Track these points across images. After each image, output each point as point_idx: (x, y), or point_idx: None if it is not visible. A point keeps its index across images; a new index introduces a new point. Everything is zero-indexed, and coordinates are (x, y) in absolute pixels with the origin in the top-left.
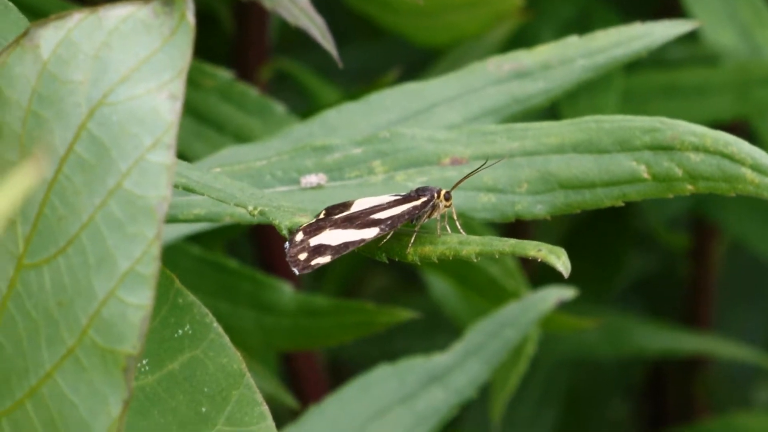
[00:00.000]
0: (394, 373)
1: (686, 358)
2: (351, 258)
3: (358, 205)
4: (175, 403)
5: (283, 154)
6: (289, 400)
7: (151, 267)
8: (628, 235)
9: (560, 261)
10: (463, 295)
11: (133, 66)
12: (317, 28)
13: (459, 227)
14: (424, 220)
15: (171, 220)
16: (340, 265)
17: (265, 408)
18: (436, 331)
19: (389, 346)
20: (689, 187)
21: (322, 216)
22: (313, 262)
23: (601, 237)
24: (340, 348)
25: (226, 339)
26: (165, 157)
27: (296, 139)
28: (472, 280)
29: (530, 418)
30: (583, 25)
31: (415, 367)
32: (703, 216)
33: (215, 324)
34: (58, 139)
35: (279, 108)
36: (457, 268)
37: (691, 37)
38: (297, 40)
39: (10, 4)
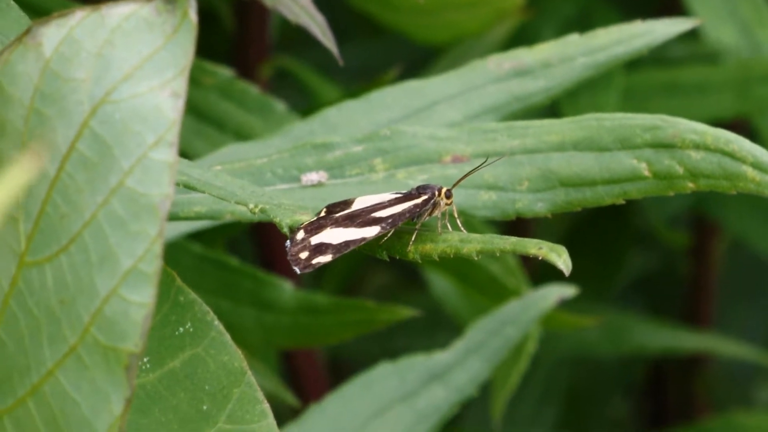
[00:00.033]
0: (394, 371)
1: (687, 357)
2: (351, 256)
3: (359, 203)
4: (176, 401)
5: (284, 151)
6: (290, 398)
7: (154, 265)
8: (629, 233)
9: (561, 259)
10: (464, 293)
11: (136, 64)
12: (318, 26)
13: (460, 225)
14: (425, 218)
15: (172, 217)
16: (341, 263)
17: (267, 406)
18: (437, 329)
19: (390, 344)
20: (690, 184)
21: (323, 214)
22: (314, 261)
23: (601, 235)
24: (340, 346)
25: (227, 337)
26: (167, 155)
27: (297, 137)
28: (473, 278)
29: (531, 416)
30: (583, 23)
31: (416, 365)
32: (703, 214)
33: (216, 322)
34: (60, 136)
35: (279, 106)
36: (457, 266)
37: (692, 35)
38: (297, 37)
39: (11, 2)
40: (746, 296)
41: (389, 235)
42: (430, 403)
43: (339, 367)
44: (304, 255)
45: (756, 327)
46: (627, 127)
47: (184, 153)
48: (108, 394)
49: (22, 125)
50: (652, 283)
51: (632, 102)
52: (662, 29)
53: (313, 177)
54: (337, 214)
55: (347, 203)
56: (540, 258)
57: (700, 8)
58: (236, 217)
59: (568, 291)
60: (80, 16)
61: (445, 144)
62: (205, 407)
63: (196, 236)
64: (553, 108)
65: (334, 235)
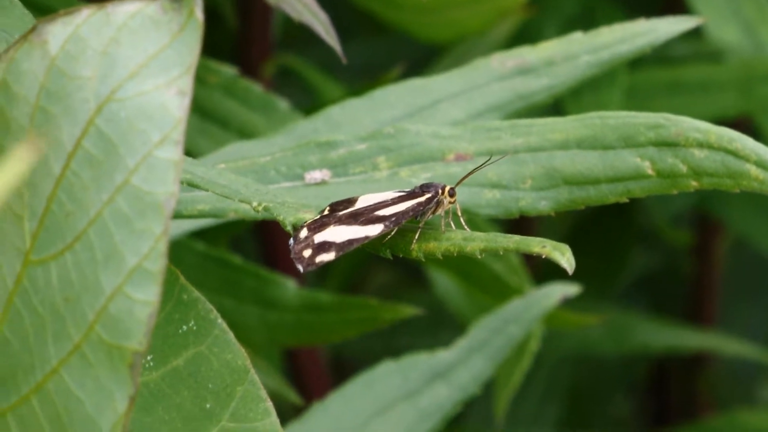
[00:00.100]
0: (397, 370)
1: (690, 355)
2: (355, 254)
3: (363, 202)
4: (179, 399)
5: (287, 150)
6: (293, 396)
7: (159, 263)
8: (632, 232)
9: (564, 257)
10: (467, 292)
11: (142, 62)
12: (321, 24)
13: (463, 223)
14: (429, 216)
15: (175, 216)
16: (344, 262)
17: (270, 404)
18: (440, 327)
19: (393, 343)
20: (693, 183)
21: (326, 212)
22: (317, 260)
23: (605, 233)
24: (343, 344)
25: (231, 335)
26: (173, 153)
27: (300, 135)
28: (476, 276)
29: (533, 415)
30: (587, 22)
31: (419, 363)
32: (707, 213)
33: (220, 320)
34: (65, 134)
35: (283, 104)
36: (461, 264)
37: (695, 33)
38: (301, 36)
39: (15, 0)
40: (749, 295)
41: (393, 233)
42: (433, 401)
43: (342, 366)
44: (307, 253)
45: (759, 325)
46: (630, 125)
47: (188, 151)
48: (112, 392)
49: (27, 123)
50: (655, 282)
51: (636, 100)
52: (665, 28)
53: (316, 175)
54: (341, 213)
55: (351, 201)
56: (543, 256)
57: (704, 7)
58: (240, 215)
59: (571, 289)
60: (86, 14)
61: (448, 142)
62: (208, 405)
63: (199, 234)
64: (556, 106)
65: (337, 233)
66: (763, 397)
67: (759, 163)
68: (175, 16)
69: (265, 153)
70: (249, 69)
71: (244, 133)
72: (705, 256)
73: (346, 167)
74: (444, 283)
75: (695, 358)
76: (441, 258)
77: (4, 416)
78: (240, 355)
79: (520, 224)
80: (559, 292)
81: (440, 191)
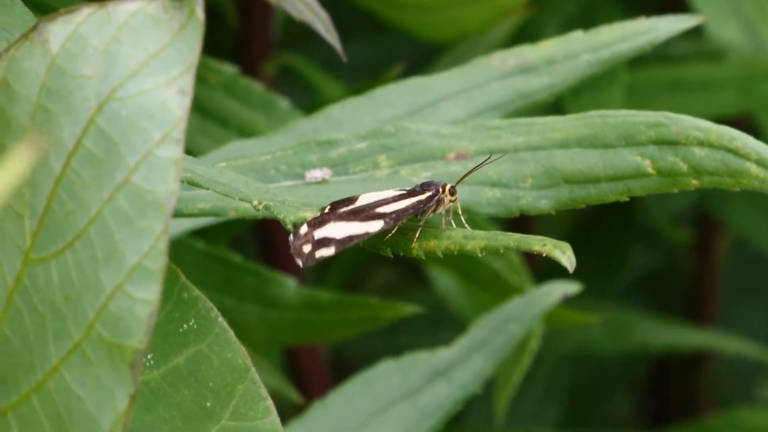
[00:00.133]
0: (397, 369)
1: (690, 354)
2: (355, 253)
3: (363, 200)
4: (180, 398)
5: (288, 148)
6: (293, 395)
7: (159, 261)
8: (633, 231)
9: (565, 256)
10: (467, 291)
11: (143, 61)
12: (321, 23)
13: (464, 222)
14: (429, 214)
15: (176, 214)
16: (344, 260)
17: (270, 403)
18: (440, 326)
19: (393, 341)
20: (694, 181)
21: (326, 211)
22: (317, 255)
23: (605, 232)
24: (343, 343)
25: (231, 334)
26: (173, 151)
27: (301, 134)
28: (477, 275)
29: (534, 413)
30: (587, 21)
31: (419, 362)
32: (707, 211)
33: (220, 319)
34: (66, 133)
35: (283, 103)
36: (461, 263)
37: (696, 32)
38: (301, 34)
39: None
40: (749, 293)
41: (393, 231)
42: (434, 400)
43: (342, 364)
44: (307, 248)
45: (759, 324)
46: (631, 124)
47: (189, 150)
48: (112, 390)
49: (28, 122)
50: (655, 281)
51: (636, 99)
52: (666, 26)
53: (317, 174)
54: (341, 210)
55: (351, 200)
56: (544, 255)
57: (704, 5)
58: (240, 213)
59: (572, 288)
60: (87, 12)
61: (448, 141)
62: (208, 404)
63: (199, 233)
64: (556, 105)
65: (337, 230)
66: (764, 396)
67: (759, 162)
68: (176, 15)
69: (266, 152)
70: (249, 68)
71: (245, 131)
72: (705, 255)
73: (347, 166)
74: (444, 281)
75: (695, 357)
76: (441, 256)
77: (5, 415)
78: (240, 353)
79: (521, 223)
80: (559, 290)
81: (441, 189)
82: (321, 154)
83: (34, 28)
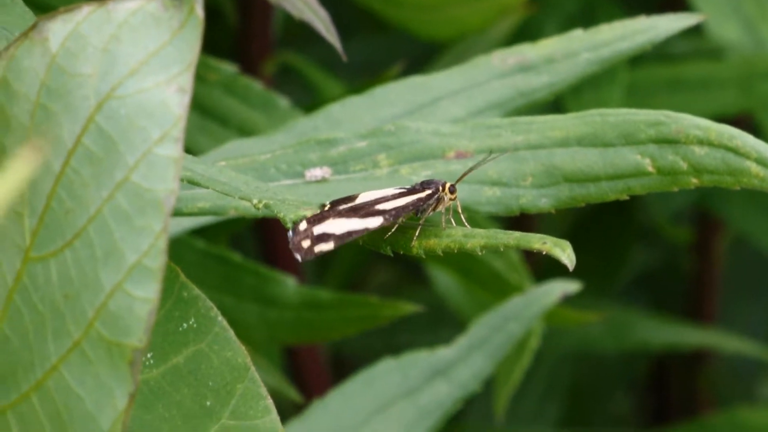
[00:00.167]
0: (397, 367)
1: (690, 353)
2: (355, 251)
3: (363, 198)
4: (179, 397)
5: (288, 147)
6: (293, 393)
7: (158, 260)
8: (632, 229)
9: (565, 254)
10: (467, 289)
11: (142, 59)
12: (321, 22)
13: (464, 220)
14: (429, 213)
15: (176, 213)
16: (344, 259)
17: (270, 402)
18: (440, 324)
19: (393, 340)
20: (694, 180)
21: (326, 208)
22: (316, 249)
23: (605, 231)
24: (343, 342)
25: (231, 333)
26: (173, 150)
27: (300, 133)
28: (476, 273)
29: (534, 412)
30: (587, 19)
31: (419, 360)
32: (707, 210)
33: (220, 317)
34: (66, 131)
35: (283, 102)
36: (461, 261)
37: (696, 30)
38: (301, 33)
39: None
40: (749, 292)
41: (393, 229)
42: (433, 399)
43: (342, 363)
44: (306, 243)
45: (759, 323)
46: (631, 122)
47: (188, 149)
48: (112, 389)
49: (27, 120)
50: (655, 279)
51: (636, 98)
52: (666, 25)
53: (317, 173)
54: (341, 207)
55: (351, 198)
56: (544, 253)
57: (704, 4)
58: (240, 212)
59: (572, 287)
60: (87, 11)
61: (448, 140)
62: (208, 403)
63: (199, 232)
64: (556, 104)
65: (336, 226)
66: (764, 395)
67: (759, 161)
68: (176, 14)
69: (266, 150)
70: (249, 66)
71: (245, 130)
72: (705, 254)
73: (347, 165)
74: (444, 280)
75: (695, 356)
76: (441, 255)
77: (4, 414)
78: (240, 352)
79: (521, 222)
80: (559, 289)
81: (441, 188)
82: (321, 153)
83: (33, 26)
